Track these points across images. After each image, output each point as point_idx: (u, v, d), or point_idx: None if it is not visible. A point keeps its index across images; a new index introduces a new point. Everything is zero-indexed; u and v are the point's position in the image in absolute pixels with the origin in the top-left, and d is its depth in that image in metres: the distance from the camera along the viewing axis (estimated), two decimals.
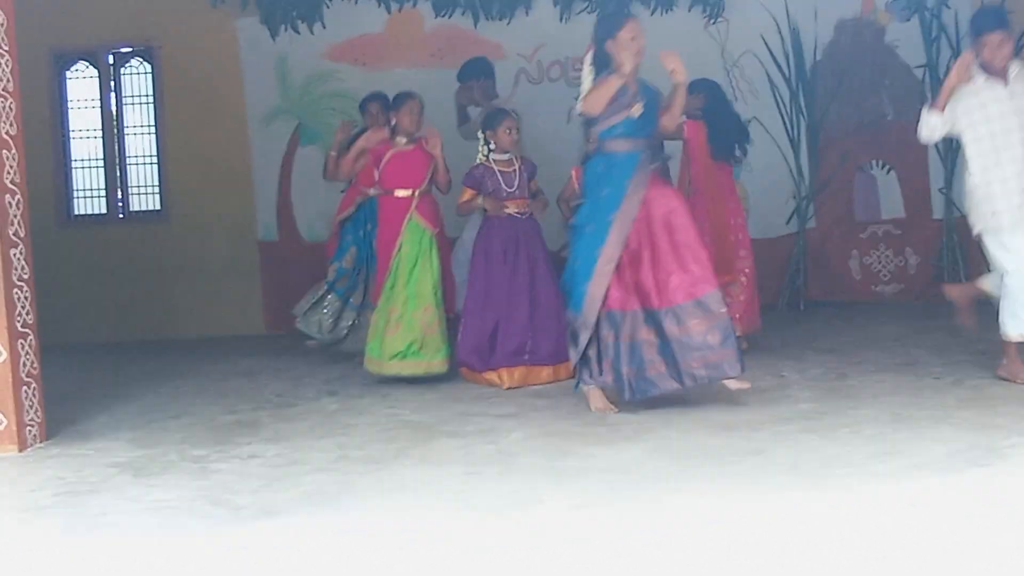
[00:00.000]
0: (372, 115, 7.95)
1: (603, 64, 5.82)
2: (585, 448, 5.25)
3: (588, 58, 5.91)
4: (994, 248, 6.06)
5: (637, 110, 5.78)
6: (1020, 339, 6.03)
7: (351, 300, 7.80)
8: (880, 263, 9.71)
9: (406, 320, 6.81)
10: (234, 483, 4.93)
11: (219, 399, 6.82)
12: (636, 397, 5.77)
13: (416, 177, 7.06)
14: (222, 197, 9.33)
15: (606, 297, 5.73)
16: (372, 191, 7.41)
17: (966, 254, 9.40)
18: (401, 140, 7.14)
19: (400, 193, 7.06)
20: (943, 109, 6.04)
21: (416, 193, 7.05)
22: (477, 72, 8.47)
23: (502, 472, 4.92)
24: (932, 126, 6.11)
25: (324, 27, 9.46)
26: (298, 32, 9.41)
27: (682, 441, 5.28)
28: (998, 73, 6.01)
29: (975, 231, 6.15)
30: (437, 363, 6.89)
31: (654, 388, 5.75)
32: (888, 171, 9.69)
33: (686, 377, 5.71)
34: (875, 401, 5.82)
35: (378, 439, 5.62)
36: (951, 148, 9.32)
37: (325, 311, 7.79)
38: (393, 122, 7.19)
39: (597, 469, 4.88)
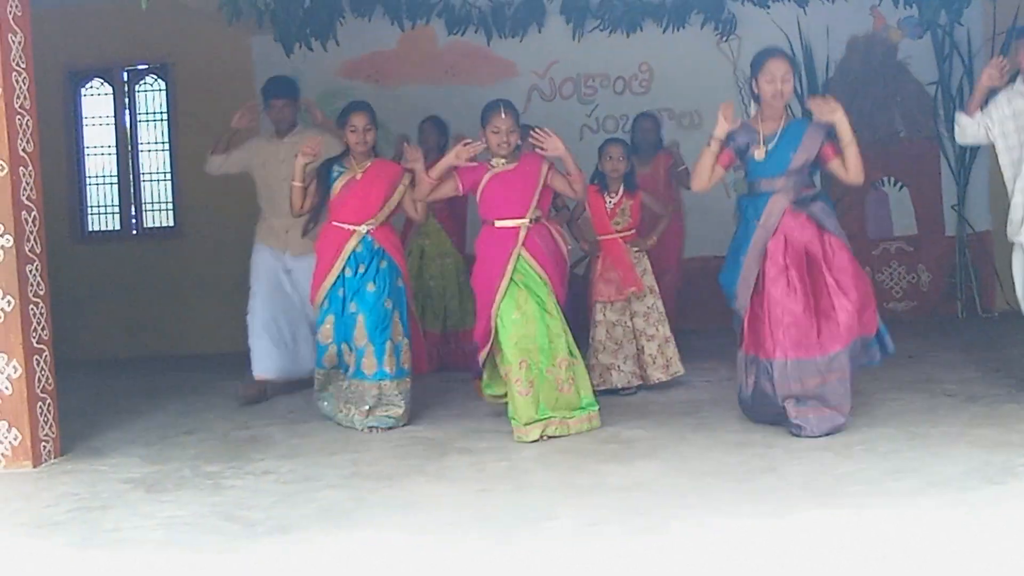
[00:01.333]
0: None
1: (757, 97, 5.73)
2: (599, 465, 5.24)
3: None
4: (1016, 260, 6.05)
5: (760, 154, 5.62)
6: None
7: None
8: (892, 280, 9.70)
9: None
10: (248, 499, 4.93)
11: (232, 415, 6.83)
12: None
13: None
14: (235, 213, 9.32)
15: None
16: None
17: (978, 271, 9.39)
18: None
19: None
20: (973, 113, 6.00)
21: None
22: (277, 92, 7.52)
23: (515, 489, 4.92)
24: (962, 127, 6.08)
25: (338, 44, 9.50)
26: (312, 49, 9.45)
27: (696, 459, 5.27)
28: None
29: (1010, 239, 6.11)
30: None
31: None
32: (900, 188, 9.68)
33: None
34: (890, 418, 5.80)
35: (391, 456, 5.63)
36: (964, 165, 9.32)
37: None
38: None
39: (611, 487, 4.87)
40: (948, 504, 4.34)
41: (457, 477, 5.18)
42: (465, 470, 5.30)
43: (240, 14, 8.49)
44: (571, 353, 5.96)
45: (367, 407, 6.18)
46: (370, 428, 6.16)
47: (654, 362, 7.03)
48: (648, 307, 7.08)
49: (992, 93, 6.02)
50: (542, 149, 5.92)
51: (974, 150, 9.17)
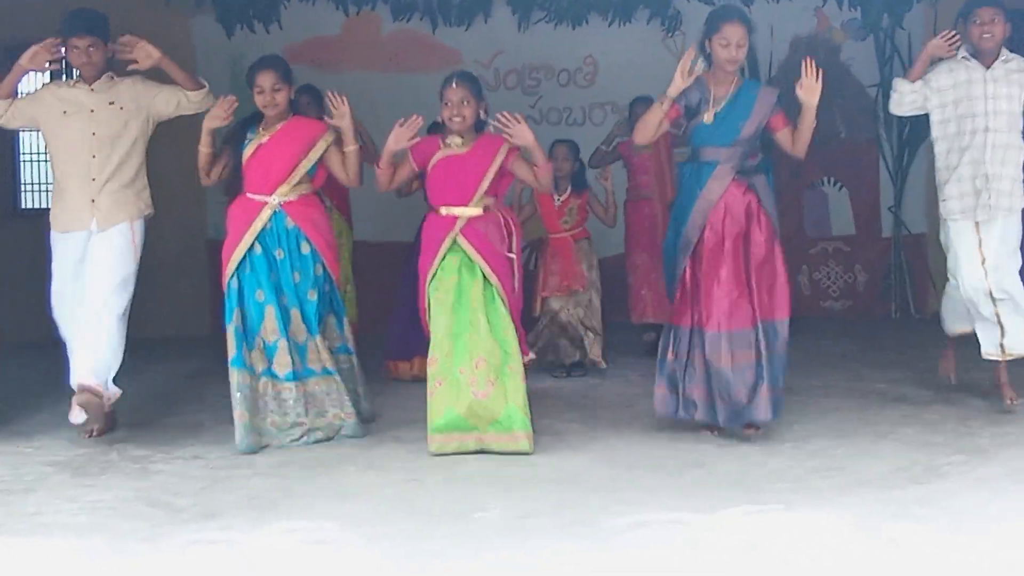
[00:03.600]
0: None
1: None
2: (530, 457, 5.23)
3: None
4: (944, 238, 5.99)
5: (709, 117, 5.45)
6: (954, 334, 6.17)
7: None
8: (829, 279, 9.79)
9: None
10: (175, 485, 4.87)
11: (162, 400, 6.74)
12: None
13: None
14: (172, 195, 9.20)
15: None
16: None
17: (913, 273, 9.51)
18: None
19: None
20: (915, 80, 5.91)
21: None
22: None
23: (446, 480, 4.90)
24: (901, 93, 5.97)
25: (281, 27, 9.40)
26: (254, 32, 9.34)
27: (628, 452, 5.29)
28: (984, 55, 5.80)
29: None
30: None
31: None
32: (839, 188, 9.77)
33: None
34: (819, 416, 5.86)
35: (322, 444, 5.57)
36: (901, 167, 9.43)
37: None
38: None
39: (542, 479, 4.87)
40: (874, 503, 4.39)
41: (388, 467, 5.15)
42: (397, 460, 5.27)
43: None
44: (504, 356, 5.34)
45: (290, 416, 5.55)
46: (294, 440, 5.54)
47: (591, 351, 7.29)
48: (589, 300, 7.33)
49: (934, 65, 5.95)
50: (508, 135, 5.46)
51: (912, 153, 9.28)
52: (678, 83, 5.37)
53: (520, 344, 5.53)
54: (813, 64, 5.35)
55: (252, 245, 5.59)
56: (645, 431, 5.65)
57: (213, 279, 9.40)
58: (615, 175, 7.60)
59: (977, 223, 5.79)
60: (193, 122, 5.94)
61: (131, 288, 5.77)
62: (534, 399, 5.65)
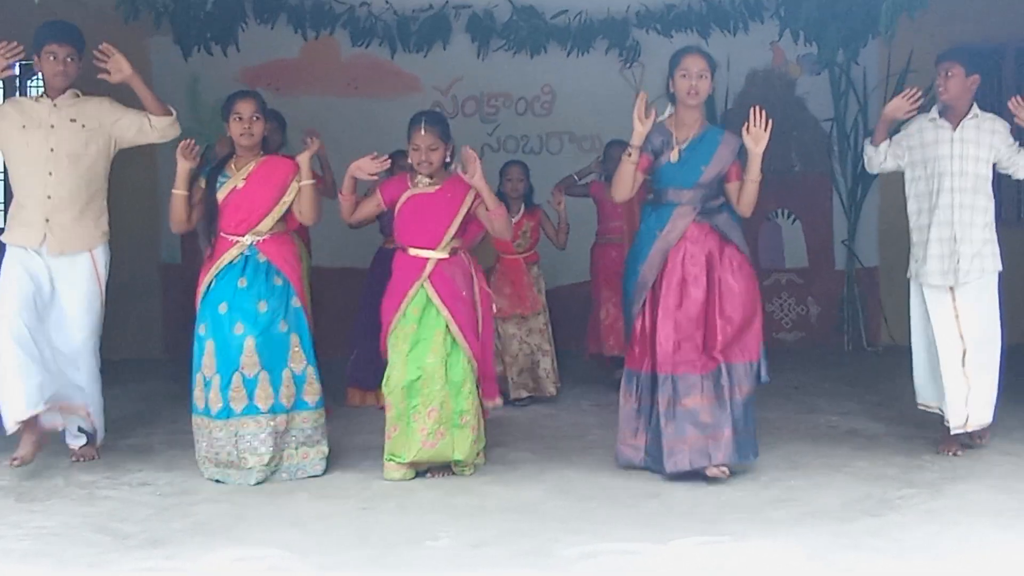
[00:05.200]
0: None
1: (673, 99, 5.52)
2: (483, 486, 5.21)
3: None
4: (912, 298, 5.91)
5: (674, 156, 5.40)
6: (922, 409, 5.94)
7: None
8: (782, 311, 9.84)
9: None
10: (121, 511, 4.80)
11: (111, 424, 6.62)
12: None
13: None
14: (126, 217, 9.12)
15: None
16: None
17: (865, 306, 9.58)
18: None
19: None
20: (879, 143, 5.89)
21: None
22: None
23: (398, 508, 4.87)
24: (869, 157, 5.97)
25: (238, 50, 9.33)
26: (211, 54, 9.27)
27: (581, 482, 5.27)
28: (952, 114, 5.77)
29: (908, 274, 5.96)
30: None
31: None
32: (793, 221, 9.84)
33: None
34: (773, 448, 5.85)
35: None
36: (855, 201, 9.52)
37: None
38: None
39: (494, 508, 4.85)
40: (827, 534, 4.41)
41: (340, 495, 5.10)
42: (349, 488, 5.22)
43: (137, 14, 8.29)
44: (456, 409, 5.34)
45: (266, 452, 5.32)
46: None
47: (547, 376, 7.26)
48: (543, 324, 7.33)
49: (899, 125, 5.95)
50: (463, 171, 5.40)
51: (865, 187, 9.37)
52: (639, 130, 5.33)
53: (487, 389, 5.56)
54: (762, 112, 5.34)
55: (212, 280, 5.46)
56: (599, 462, 5.63)
57: (166, 302, 9.40)
58: (582, 212, 7.62)
59: (952, 289, 5.72)
60: (149, 151, 5.85)
61: (101, 315, 5.76)
62: (487, 429, 5.66)
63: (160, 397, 7.41)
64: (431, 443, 5.28)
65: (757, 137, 5.32)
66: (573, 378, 7.64)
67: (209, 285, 5.47)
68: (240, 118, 5.49)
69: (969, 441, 5.83)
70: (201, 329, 5.45)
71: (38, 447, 5.53)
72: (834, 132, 9.58)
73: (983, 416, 5.70)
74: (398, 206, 5.49)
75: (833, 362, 8.91)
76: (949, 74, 5.72)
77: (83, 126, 5.65)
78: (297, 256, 5.73)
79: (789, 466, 5.51)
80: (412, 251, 5.45)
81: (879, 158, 5.97)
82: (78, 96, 5.74)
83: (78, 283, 5.63)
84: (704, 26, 9.33)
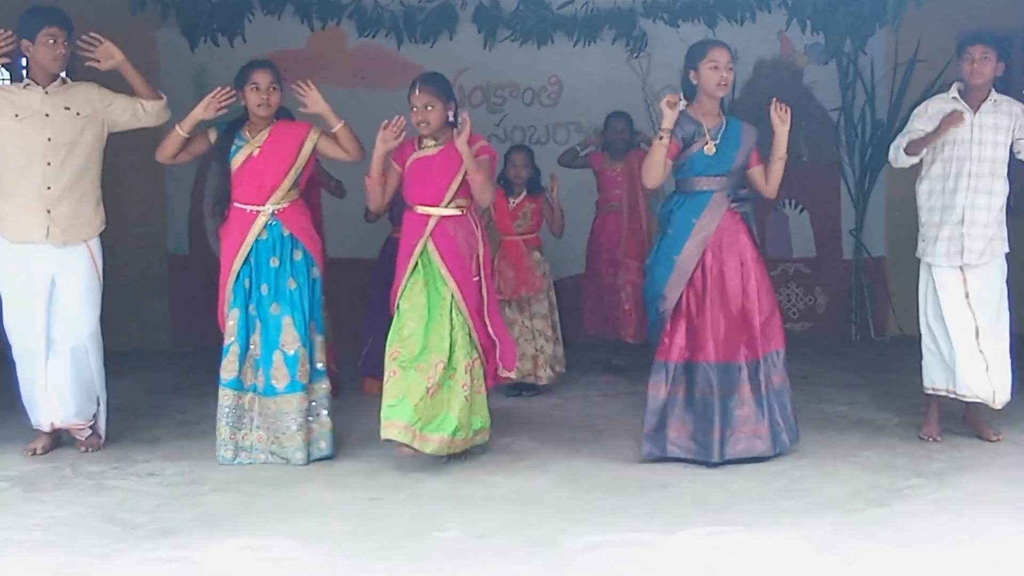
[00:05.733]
0: None
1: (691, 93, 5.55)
2: (490, 477, 5.21)
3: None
4: (921, 280, 5.92)
5: (710, 148, 5.46)
6: (931, 392, 5.92)
7: None
8: (790, 301, 9.82)
9: None
10: (130, 501, 4.81)
11: (119, 415, 6.64)
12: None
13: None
14: (133, 209, 9.15)
15: None
16: None
17: (873, 296, 9.56)
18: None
19: None
20: (918, 154, 5.78)
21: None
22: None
23: (406, 499, 4.87)
24: (896, 159, 5.89)
25: (245, 41, 9.32)
26: (218, 45, 9.27)
27: (588, 473, 5.27)
28: (973, 97, 5.75)
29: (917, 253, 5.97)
30: None
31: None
32: (800, 211, 9.82)
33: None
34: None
35: (281, 461, 5.52)
36: (863, 191, 9.49)
37: None
38: None
39: (501, 499, 4.85)
40: (835, 524, 4.41)
41: (348, 484, 5.11)
42: (357, 478, 5.23)
43: (144, 6, 8.30)
44: (448, 367, 5.37)
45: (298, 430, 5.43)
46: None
47: (546, 363, 7.18)
48: (546, 310, 7.26)
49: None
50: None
51: (873, 177, 9.34)
52: (670, 115, 5.35)
53: (489, 359, 5.60)
54: (781, 105, 5.54)
55: (247, 256, 5.50)
56: (606, 452, 5.63)
57: (174, 293, 9.41)
58: (582, 184, 7.59)
59: (962, 269, 5.73)
60: (156, 131, 5.87)
61: (99, 307, 5.75)
62: (494, 419, 5.66)
63: (167, 388, 7.42)
64: (433, 392, 5.30)
65: (783, 116, 5.51)
66: (580, 368, 7.64)
67: (244, 262, 5.49)
68: (258, 88, 5.52)
69: (983, 436, 5.81)
70: (230, 297, 5.51)
71: (56, 442, 5.72)
72: (841, 121, 9.55)
73: (1006, 392, 5.70)
74: (406, 168, 5.58)
75: (841, 352, 8.89)
76: (985, 57, 5.68)
77: (77, 113, 5.62)
78: (312, 225, 5.75)
79: (798, 456, 5.51)
80: (419, 209, 5.54)
81: (910, 161, 5.88)
82: (66, 83, 5.70)
83: (80, 276, 5.63)
84: (711, 15, 9.28)
